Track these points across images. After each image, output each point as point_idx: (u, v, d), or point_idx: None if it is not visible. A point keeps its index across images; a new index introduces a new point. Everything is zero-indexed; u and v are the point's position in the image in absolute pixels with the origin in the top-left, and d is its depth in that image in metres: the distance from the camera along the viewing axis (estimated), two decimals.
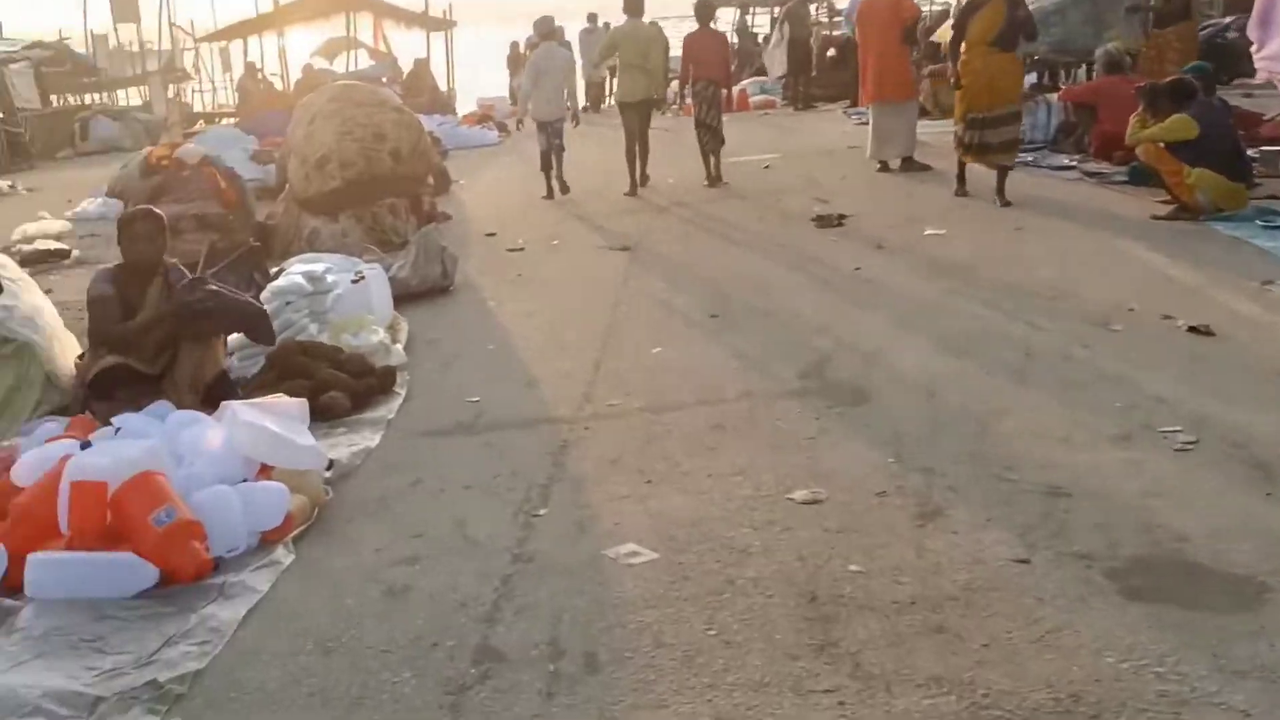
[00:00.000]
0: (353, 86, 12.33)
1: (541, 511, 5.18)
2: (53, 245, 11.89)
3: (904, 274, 9.05)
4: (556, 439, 6.03)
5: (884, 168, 14.06)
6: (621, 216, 12.65)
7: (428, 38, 29.90)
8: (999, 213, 11.12)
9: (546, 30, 14.55)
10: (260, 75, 27.22)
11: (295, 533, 4.99)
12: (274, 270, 8.32)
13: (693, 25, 14.52)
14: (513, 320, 8.51)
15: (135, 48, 32.65)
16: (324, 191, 11.06)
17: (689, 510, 5.05)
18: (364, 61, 31.50)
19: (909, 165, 13.96)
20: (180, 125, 23.11)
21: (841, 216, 11.32)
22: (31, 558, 4.40)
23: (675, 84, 18.73)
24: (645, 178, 14.23)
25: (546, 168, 14.10)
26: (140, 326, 6.12)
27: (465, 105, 29.26)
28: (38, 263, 11.07)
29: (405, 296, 8.94)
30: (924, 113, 15.66)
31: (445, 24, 32.32)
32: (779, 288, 8.90)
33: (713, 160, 14.19)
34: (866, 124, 16.57)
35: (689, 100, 15.64)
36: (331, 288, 7.55)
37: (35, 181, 20.78)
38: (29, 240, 12.18)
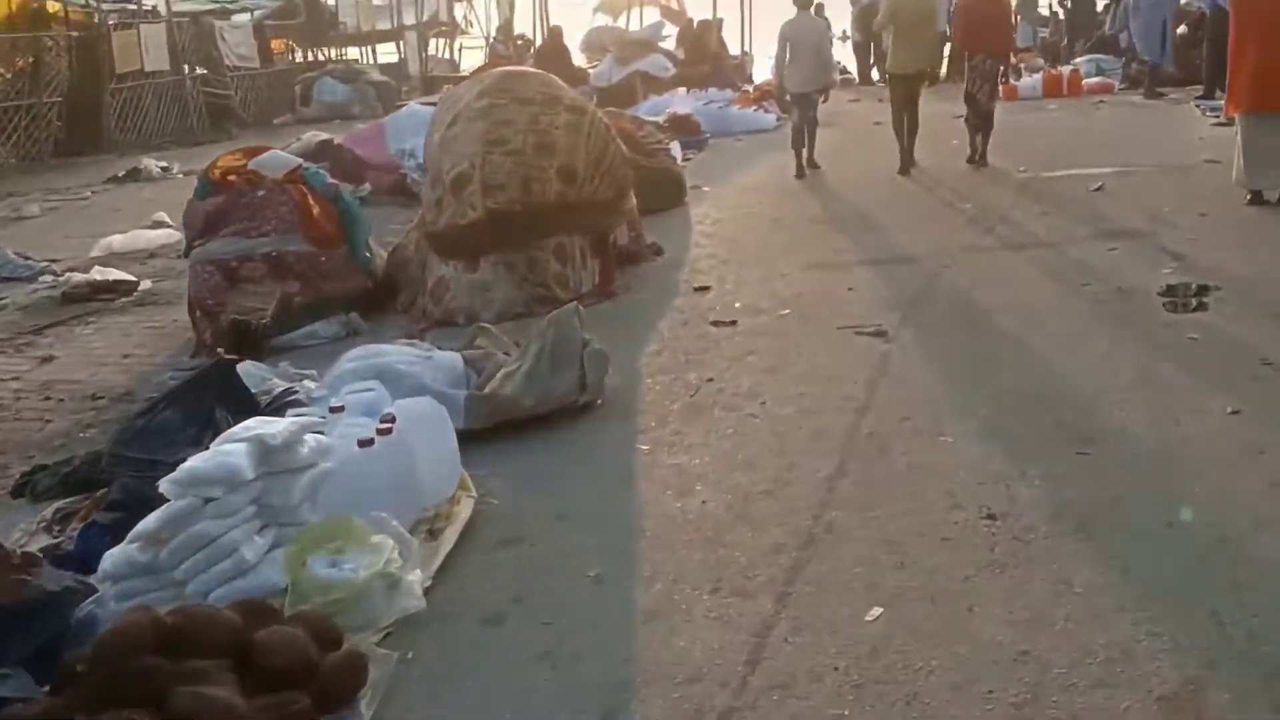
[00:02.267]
0: (518, 75, 9.01)
1: None
2: (113, 275, 9.09)
3: None
4: None
5: (1257, 199, 10.16)
6: (888, 262, 9.24)
7: None
8: None
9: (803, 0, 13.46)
10: (518, 37, 24.52)
11: None
12: (270, 393, 5.30)
13: None
14: (659, 497, 5.20)
15: None
16: (459, 225, 7.97)
17: None
18: (653, 20, 28.69)
19: None
20: (419, 91, 20.52)
21: (1204, 290, 7.64)
22: None
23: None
24: (912, 160, 13.30)
25: (798, 145, 13.42)
26: None
27: (764, 75, 26.27)
28: (84, 300, 8.33)
29: (511, 423, 5.81)
30: None
31: None
32: (1111, 446, 5.38)
33: (979, 139, 13.23)
34: (1225, 124, 13.25)
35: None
36: (308, 461, 4.25)
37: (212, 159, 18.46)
38: (89, 265, 9.41)
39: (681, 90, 20.57)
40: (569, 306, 6.35)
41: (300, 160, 8.30)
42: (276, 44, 25.90)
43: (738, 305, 8.24)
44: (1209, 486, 4.88)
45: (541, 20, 26.55)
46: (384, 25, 28.34)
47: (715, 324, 7.81)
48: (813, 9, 13.76)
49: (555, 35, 22.83)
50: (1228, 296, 7.56)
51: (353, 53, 28.14)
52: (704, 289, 8.75)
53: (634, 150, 11.05)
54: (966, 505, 4.86)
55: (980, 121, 13.18)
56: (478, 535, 4.82)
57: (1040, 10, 28.49)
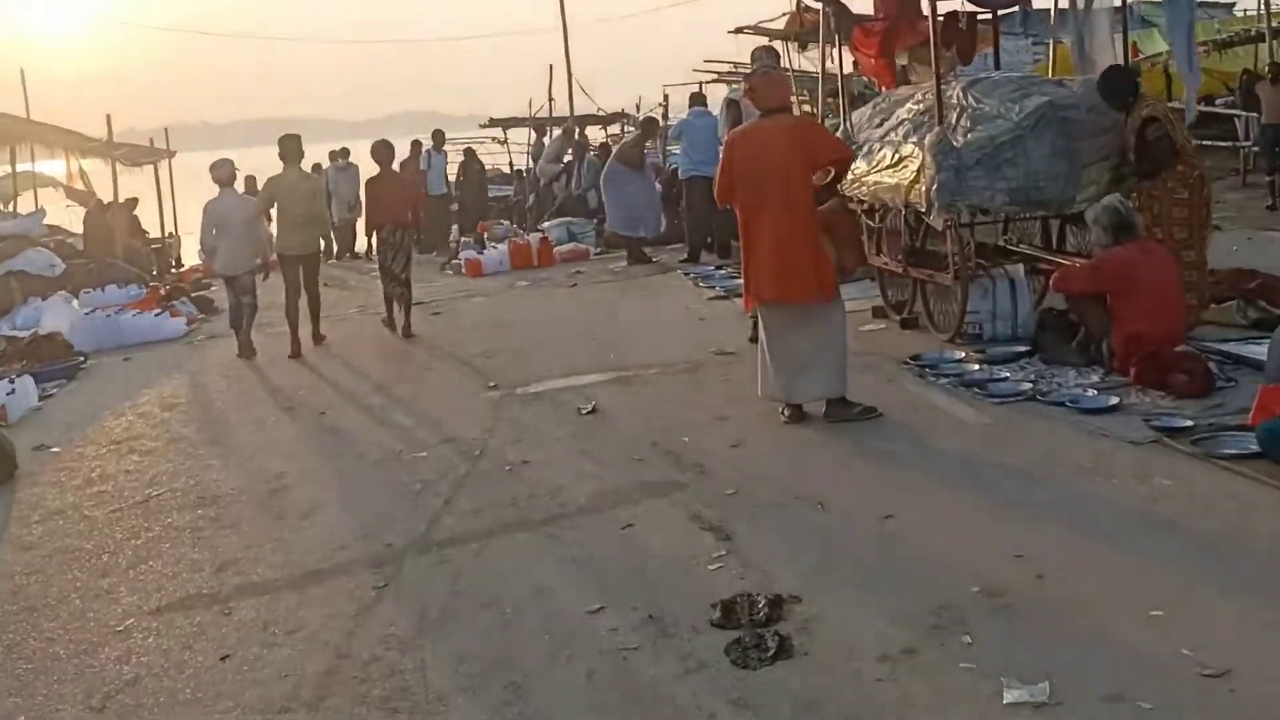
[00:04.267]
0: None
1: None
2: None
3: None
4: None
5: (797, 415, 7.73)
6: (286, 586, 5.92)
7: (113, 170, 22.70)
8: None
9: (225, 176, 12.72)
10: None
11: None
12: None
13: None
14: None
15: None
16: None
17: None
18: (51, 203, 24.56)
19: (841, 412, 7.64)
20: None
21: (778, 608, 4.91)
22: None
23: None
24: (320, 337, 12.93)
25: (235, 325, 12.59)
26: None
27: (193, 259, 23.29)
28: None
29: None
30: None
31: (154, 154, 25.55)
32: None
33: (400, 311, 13.00)
34: (722, 297, 12.88)
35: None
36: None
37: None
38: None
39: (59, 295, 16.33)
40: None
41: None
42: None
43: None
44: None
45: None
46: None
47: None
48: (240, 184, 13.48)
49: None
50: (815, 616, 4.81)
51: None
52: None
53: None
54: None
55: (400, 289, 12.97)
56: None
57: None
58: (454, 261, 19.05)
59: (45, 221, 21.09)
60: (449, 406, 9.37)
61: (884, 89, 12.23)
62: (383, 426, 9.06)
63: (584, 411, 8.63)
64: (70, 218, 24.19)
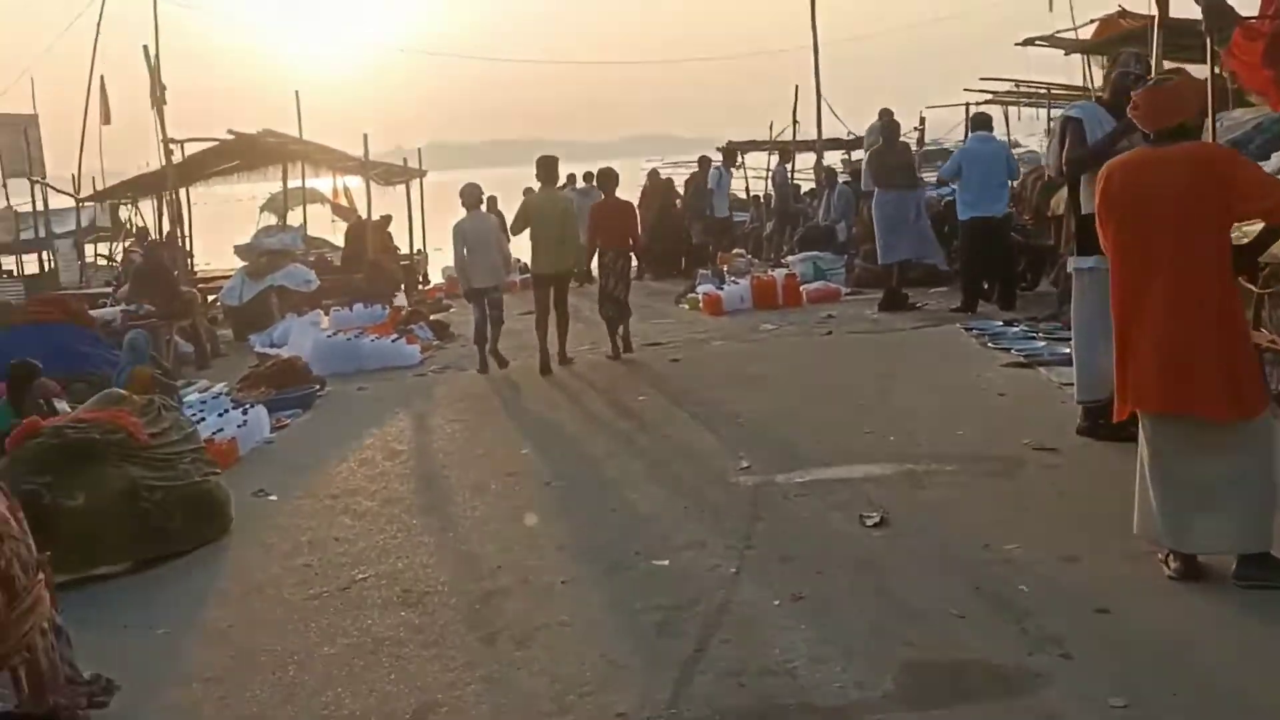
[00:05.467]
0: None
1: None
2: None
3: None
4: None
5: (1189, 569, 5.41)
6: None
7: (367, 188, 22.06)
8: None
9: (473, 199, 13.42)
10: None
11: None
12: None
13: None
14: None
15: None
16: None
17: None
18: (320, 217, 26.29)
19: (1261, 576, 5.25)
20: None
21: None
22: None
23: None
24: (567, 358, 13.14)
25: (480, 340, 13.17)
26: None
27: (437, 276, 24.55)
28: None
29: None
30: None
31: (407, 174, 25.23)
32: None
33: (620, 331, 13.35)
34: (1025, 366, 10.51)
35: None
36: None
37: None
38: None
39: (310, 314, 16.66)
40: None
41: None
42: None
43: None
44: None
45: (168, 221, 21.70)
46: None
47: None
48: (484, 205, 13.96)
49: (154, 249, 18.58)
50: None
51: None
52: None
53: (127, 460, 7.21)
54: None
55: (617, 312, 13.27)
56: None
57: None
58: (690, 295, 17.16)
59: (310, 234, 22.31)
60: (694, 491, 7.49)
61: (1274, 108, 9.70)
62: (615, 512, 7.24)
63: (869, 522, 6.53)
64: (335, 232, 25.21)
